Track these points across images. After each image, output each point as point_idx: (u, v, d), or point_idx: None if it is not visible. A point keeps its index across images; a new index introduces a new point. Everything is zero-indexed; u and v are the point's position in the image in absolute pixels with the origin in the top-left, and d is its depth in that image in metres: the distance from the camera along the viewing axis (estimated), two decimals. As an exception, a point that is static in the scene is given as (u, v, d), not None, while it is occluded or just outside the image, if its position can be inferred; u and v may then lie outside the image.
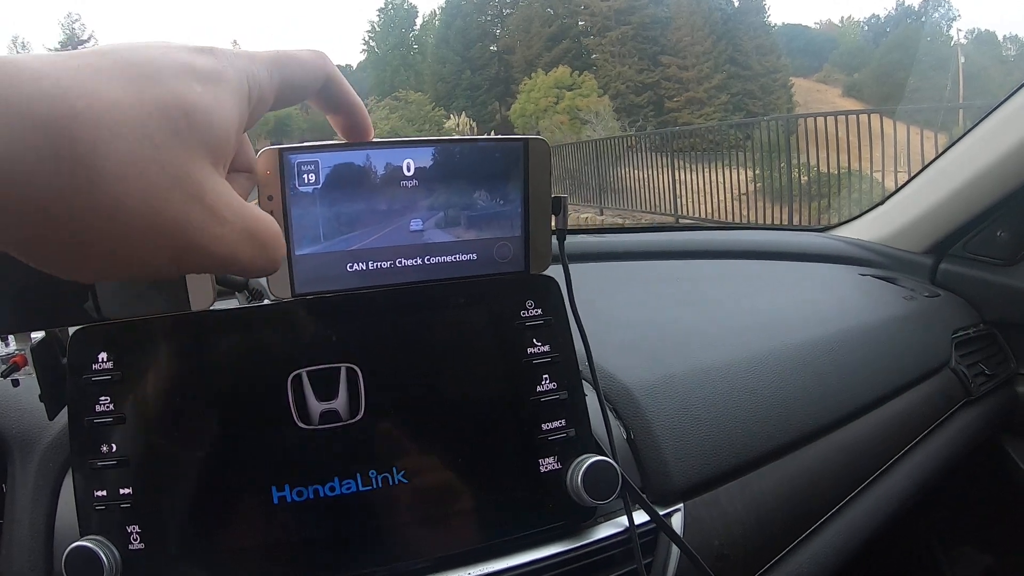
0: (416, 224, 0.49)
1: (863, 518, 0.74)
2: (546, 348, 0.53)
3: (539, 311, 0.53)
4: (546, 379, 0.53)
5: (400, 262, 0.49)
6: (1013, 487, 1.07)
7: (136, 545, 0.46)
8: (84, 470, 0.47)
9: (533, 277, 0.53)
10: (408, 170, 0.47)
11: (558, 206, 0.52)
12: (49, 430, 0.57)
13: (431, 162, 0.48)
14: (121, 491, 0.46)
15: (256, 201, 0.46)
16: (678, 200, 7.22)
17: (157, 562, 0.46)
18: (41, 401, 0.51)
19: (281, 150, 0.46)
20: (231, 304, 0.58)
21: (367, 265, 0.48)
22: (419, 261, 0.49)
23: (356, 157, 0.47)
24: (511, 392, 0.52)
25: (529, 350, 0.53)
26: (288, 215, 0.47)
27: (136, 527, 0.46)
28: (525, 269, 0.52)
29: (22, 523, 0.52)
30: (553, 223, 0.53)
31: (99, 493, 0.46)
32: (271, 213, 0.47)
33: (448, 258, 0.50)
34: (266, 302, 0.58)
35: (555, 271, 0.54)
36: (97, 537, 0.45)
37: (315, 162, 0.46)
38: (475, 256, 0.51)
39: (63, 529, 0.52)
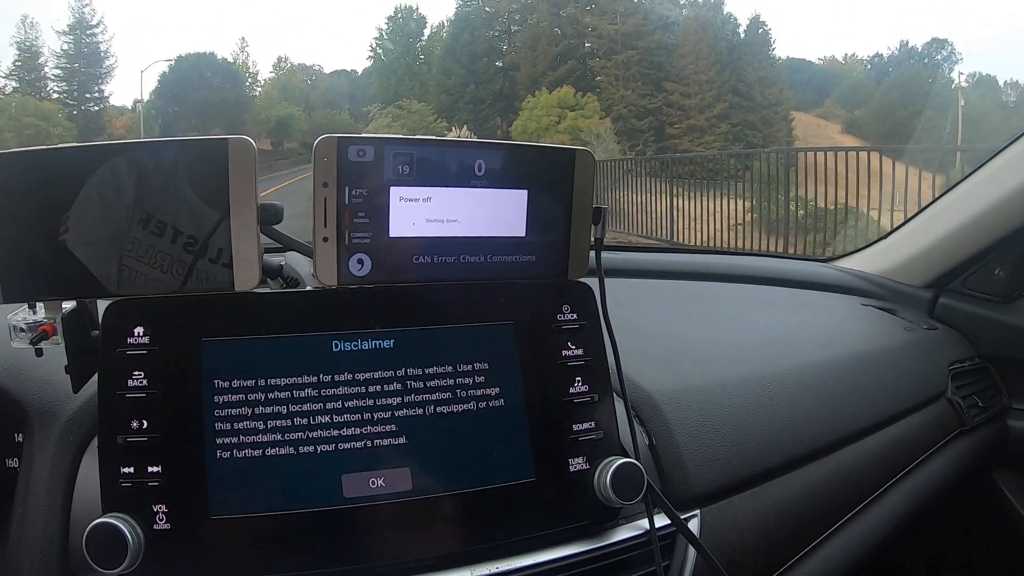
0: (484, 221, 0.52)
1: (860, 537, 0.77)
2: (579, 352, 0.55)
3: (574, 316, 0.56)
4: (579, 381, 0.55)
5: (464, 258, 0.51)
6: (1001, 518, 1.10)
7: (162, 525, 0.46)
8: (112, 445, 0.46)
9: (570, 283, 0.56)
10: (481, 170, 0.50)
11: (598, 216, 0.55)
12: (72, 402, 0.56)
13: (489, 163, 0.51)
14: (150, 469, 0.46)
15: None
16: (674, 226, 7.26)
17: (182, 543, 0.46)
18: (67, 372, 0.51)
19: (340, 139, 0.47)
20: (263, 289, 0.59)
21: (433, 259, 0.50)
22: (482, 259, 0.52)
23: (419, 151, 0.49)
24: (545, 392, 0.54)
25: (564, 352, 0.55)
26: (343, 201, 0.48)
27: (163, 507, 0.46)
28: (564, 274, 0.55)
29: (38, 497, 0.51)
30: (591, 233, 0.55)
31: (126, 470, 0.46)
32: (324, 200, 0.48)
33: (511, 258, 0.52)
34: (308, 288, 0.59)
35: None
36: (121, 514, 0.44)
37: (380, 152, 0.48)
38: (534, 258, 0.53)
39: (80, 506, 0.51)
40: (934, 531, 1.14)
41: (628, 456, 0.54)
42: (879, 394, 0.88)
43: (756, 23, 18.12)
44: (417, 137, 0.49)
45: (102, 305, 0.50)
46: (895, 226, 1.35)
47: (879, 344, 1.00)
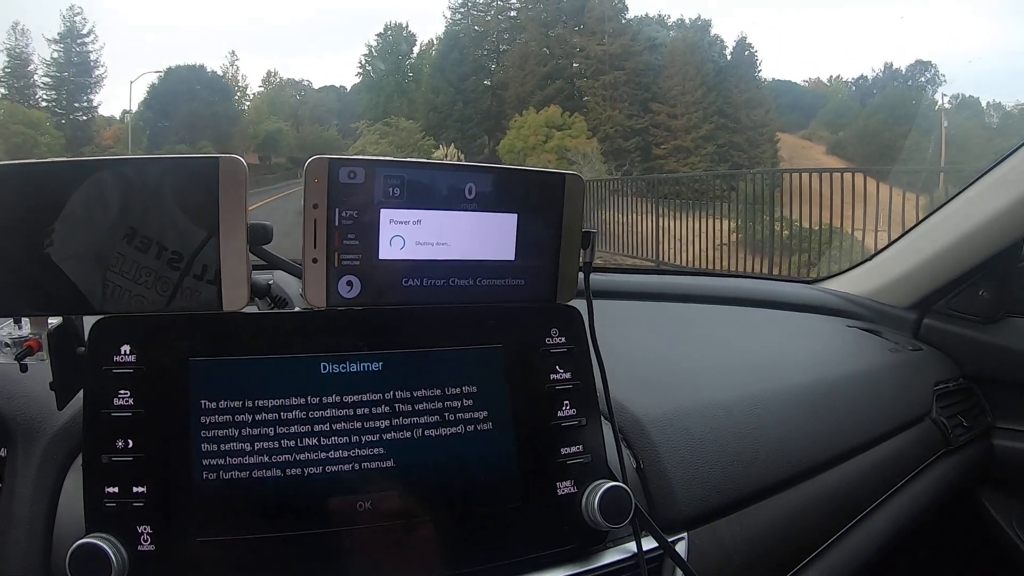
0: (473, 245, 0.52)
1: (846, 557, 0.77)
2: (568, 375, 0.56)
3: (563, 339, 0.56)
4: (567, 405, 0.55)
5: (453, 281, 0.51)
6: (986, 536, 1.11)
7: (146, 546, 0.45)
8: (96, 464, 0.46)
9: (559, 307, 0.56)
10: (471, 193, 0.51)
11: (587, 240, 0.55)
12: (56, 419, 0.55)
13: (479, 187, 0.51)
14: (135, 489, 0.46)
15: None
16: (660, 246, 7.30)
17: (167, 565, 0.45)
18: (52, 389, 0.50)
19: (331, 160, 0.47)
20: (250, 309, 0.58)
21: (422, 282, 0.51)
22: (471, 282, 0.52)
23: (410, 174, 0.49)
24: (533, 416, 0.54)
25: (552, 376, 0.55)
26: (333, 223, 0.48)
27: (148, 527, 0.45)
28: (553, 298, 0.55)
29: (20, 516, 0.50)
30: (580, 257, 0.56)
31: (111, 489, 0.45)
32: (314, 221, 0.48)
33: (500, 282, 0.53)
34: (297, 309, 0.59)
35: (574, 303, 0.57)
36: (105, 535, 0.44)
37: (371, 174, 0.49)
38: (523, 282, 0.53)
39: (64, 524, 0.50)
40: (920, 550, 1.14)
41: (616, 480, 0.54)
42: (864, 415, 0.89)
43: (743, 45, 18.43)
44: (408, 160, 0.49)
45: (88, 322, 0.49)
46: (880, 247, 1.37)
47: (864, 365, 1.01)
